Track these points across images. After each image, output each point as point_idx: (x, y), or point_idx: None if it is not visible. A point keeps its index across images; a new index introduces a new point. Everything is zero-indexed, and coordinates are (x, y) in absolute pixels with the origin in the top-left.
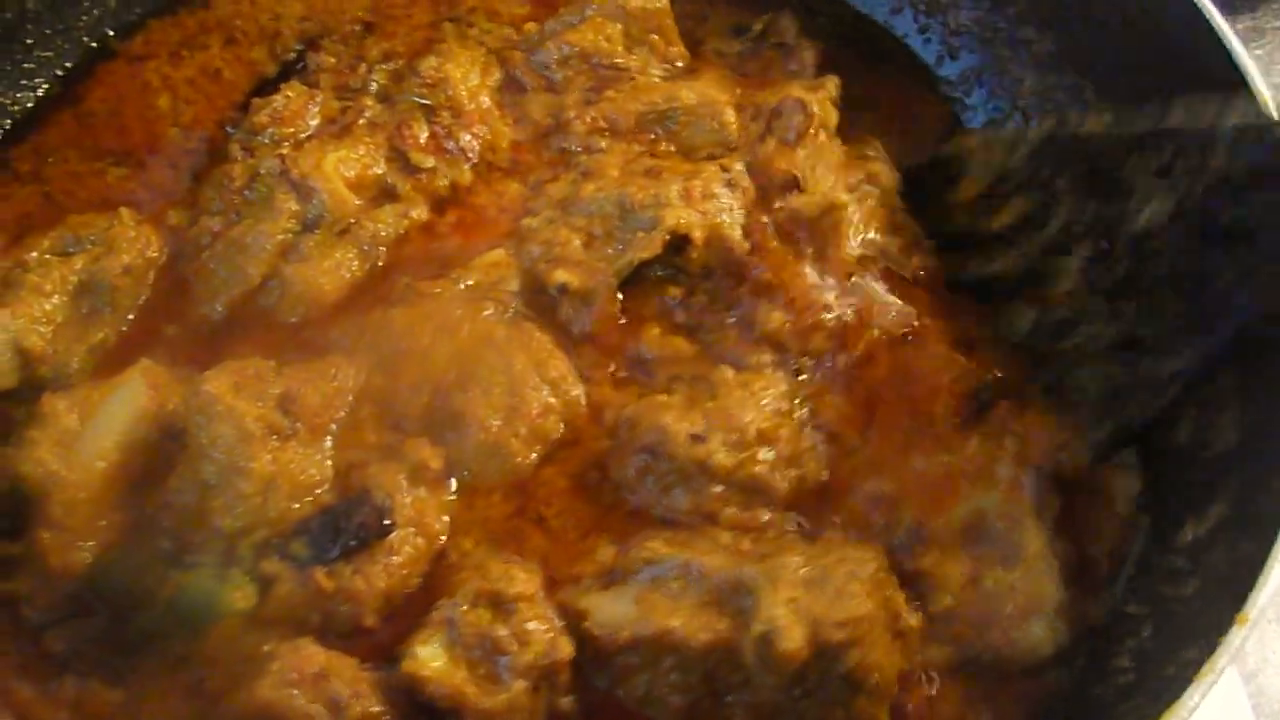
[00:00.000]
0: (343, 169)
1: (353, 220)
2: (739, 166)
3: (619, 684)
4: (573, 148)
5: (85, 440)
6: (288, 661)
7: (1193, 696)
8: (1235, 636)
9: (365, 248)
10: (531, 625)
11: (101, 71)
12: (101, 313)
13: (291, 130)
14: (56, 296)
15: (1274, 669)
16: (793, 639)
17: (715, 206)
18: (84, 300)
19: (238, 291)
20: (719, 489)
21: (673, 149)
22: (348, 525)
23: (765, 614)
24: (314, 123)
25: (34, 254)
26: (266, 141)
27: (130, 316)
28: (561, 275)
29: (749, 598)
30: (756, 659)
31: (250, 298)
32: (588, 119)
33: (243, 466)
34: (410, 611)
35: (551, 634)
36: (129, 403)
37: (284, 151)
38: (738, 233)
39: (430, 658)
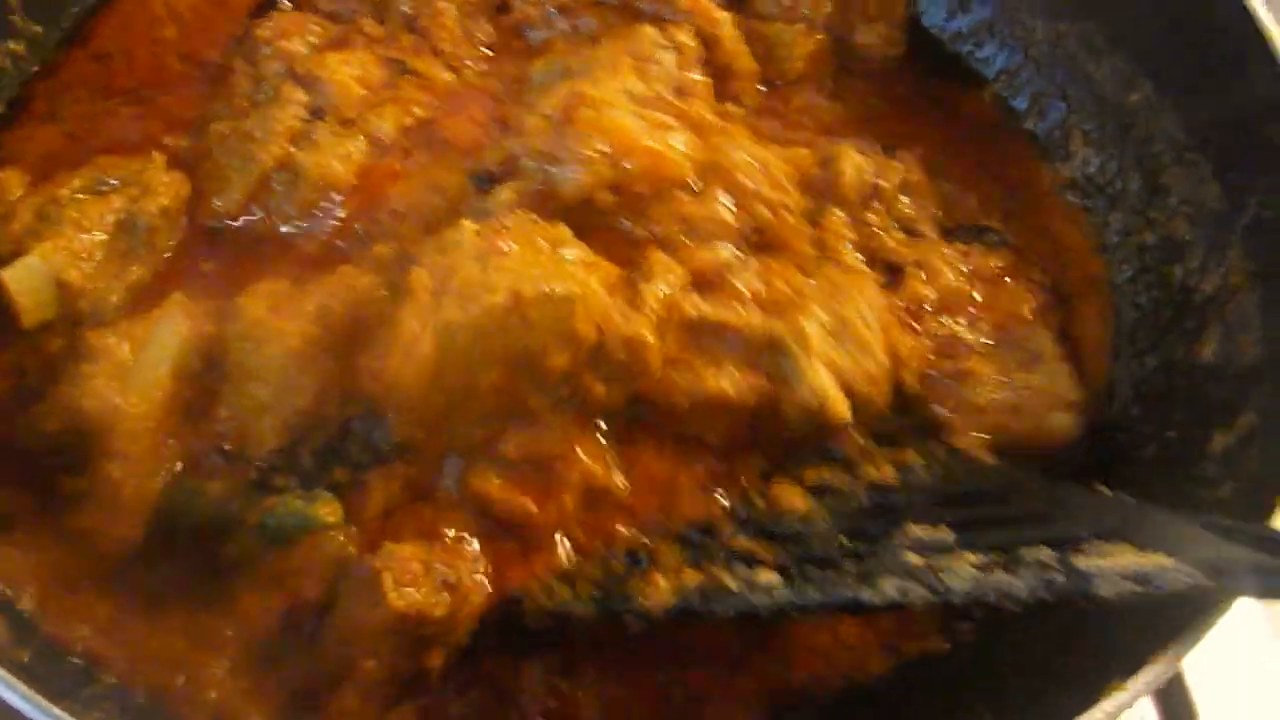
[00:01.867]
0: (346, 68)
1: (357, 114)
2: None
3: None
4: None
5: (140, 371)
6: (396, 569)
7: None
8: (1277, 520)
9: (375, 135)
10: None
11: (108, 8)
12: (138, 250)
13: (292, 45)
14: (96, 232)
15: None
16: (840, 406)
17: None
18: (122, 238)
19: (253, 178)
20: None
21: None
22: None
23: (810, 382)
24: (312, 40)
25: (65, 190)
26: (269, 54)
27: (166, 255)
28: None
29: (785, 359)
30: (801, 414)
31: (263, 188)
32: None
33: (295, 383)
34: None
35: None
36: (175, 332)
37: (288, 55)
38: None
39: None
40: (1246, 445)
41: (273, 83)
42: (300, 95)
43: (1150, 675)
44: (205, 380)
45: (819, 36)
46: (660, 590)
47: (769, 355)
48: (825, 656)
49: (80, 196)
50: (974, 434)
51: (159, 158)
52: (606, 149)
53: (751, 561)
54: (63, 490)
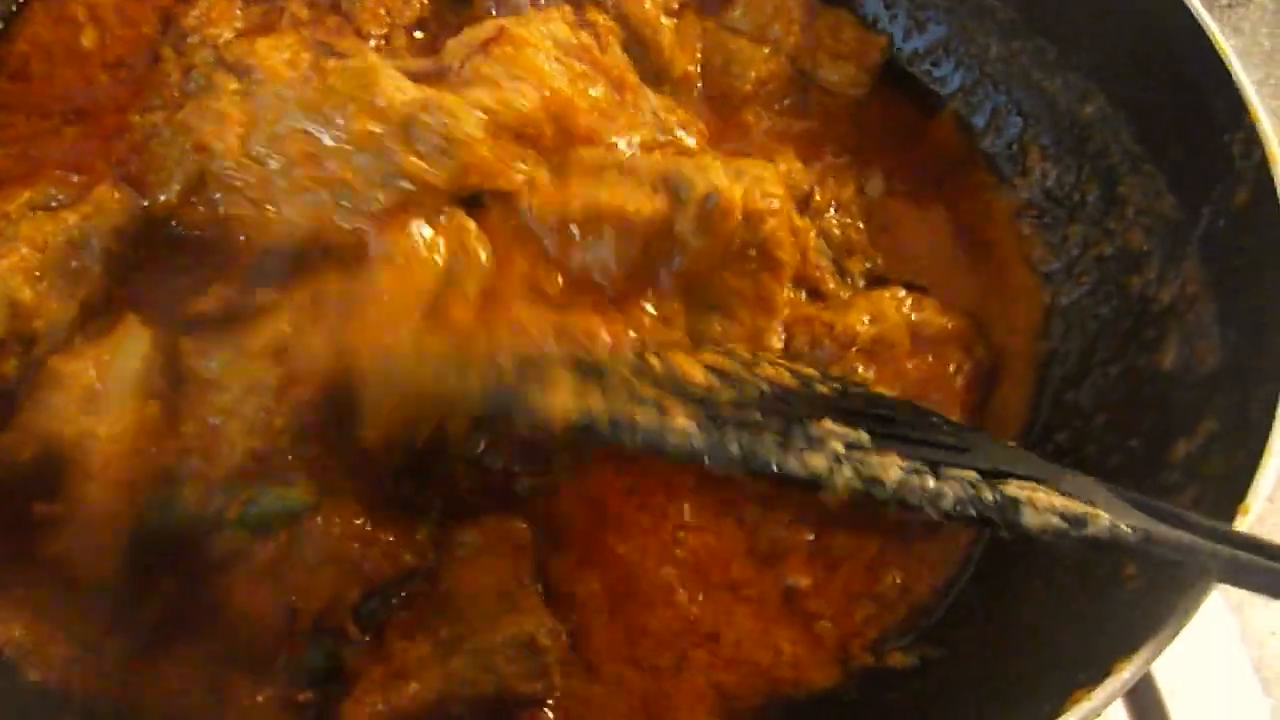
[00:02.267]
0: (275, 53)
1: None
2: None
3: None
4: None
5: (108, 395)
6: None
7: (1203, 593)
8: (1239, 525)
9: None
10: None
11: (20, 23)
12: (91, 269)
13: (218, 31)
14: (48, 250)
15: (1259, 600)
16: (734, 199)
17: None
18: (75, 256)
19: (191, 168)
20: None
21: None
22: None
23: (707, 184)
24: (239, 26)
25: (14, 206)
26: (196, 42)
27: (117, 272)
28: None
29: (684, 185)
30: (695, 224)
31: (203, 179)
32: None
33: (259, 383)
34: None
35: None
36: (137, 354)
37: (216, 43)
38: None
39: None
40: (1207, 452)
41: (203, 71)
42: (233, 84)
43: (1117, 683)
44: (170, 395)
45: (778, 62)
46: (561, 399)
47: (664, 184)
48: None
49: (31, 213)
50: None
51: (108, 174)
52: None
53: (661, 410)
54: (34, 517)
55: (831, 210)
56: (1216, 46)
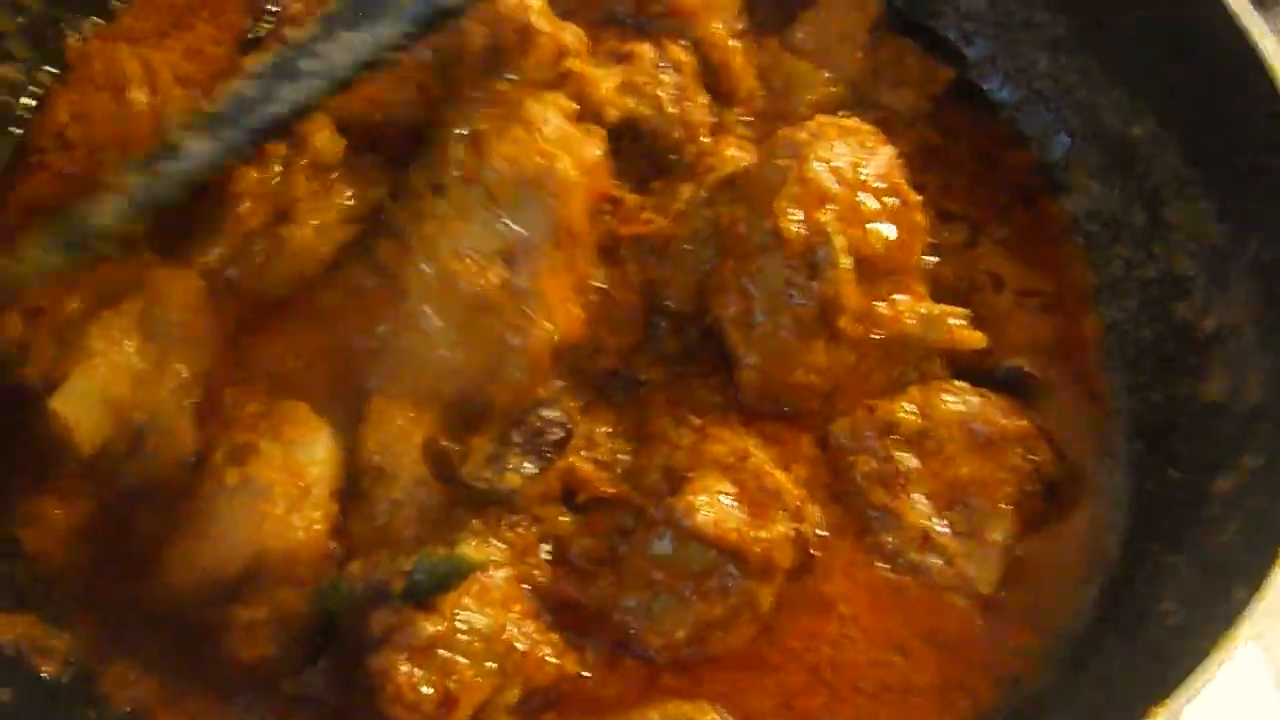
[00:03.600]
0: None
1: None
2: None
3: None
4: None
5: (313, 498)
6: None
7: (1241, 630)
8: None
9: None
10: None
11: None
12: (175, 349)
13: None
14: (126, 343)
15: None
16: None
17: None
18: (150, 345)
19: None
20: None
21: None
22: None
23: None
24: None
25: (72, 309)
26: None
27: (205, 350)
28: None
29: None
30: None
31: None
32: None
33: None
34: None
35: None
36: (329, 456)
37: None
38: None
39: None
40: (1250, 487)
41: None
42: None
43: None
44: (348, 491)
45: (836, 89)
46: None
47: None
48: None
49: (103, 313)
50: None
51: (150, 257)
52: None
53: None
54: (235, 622)
55: None
56: (1270, 73)
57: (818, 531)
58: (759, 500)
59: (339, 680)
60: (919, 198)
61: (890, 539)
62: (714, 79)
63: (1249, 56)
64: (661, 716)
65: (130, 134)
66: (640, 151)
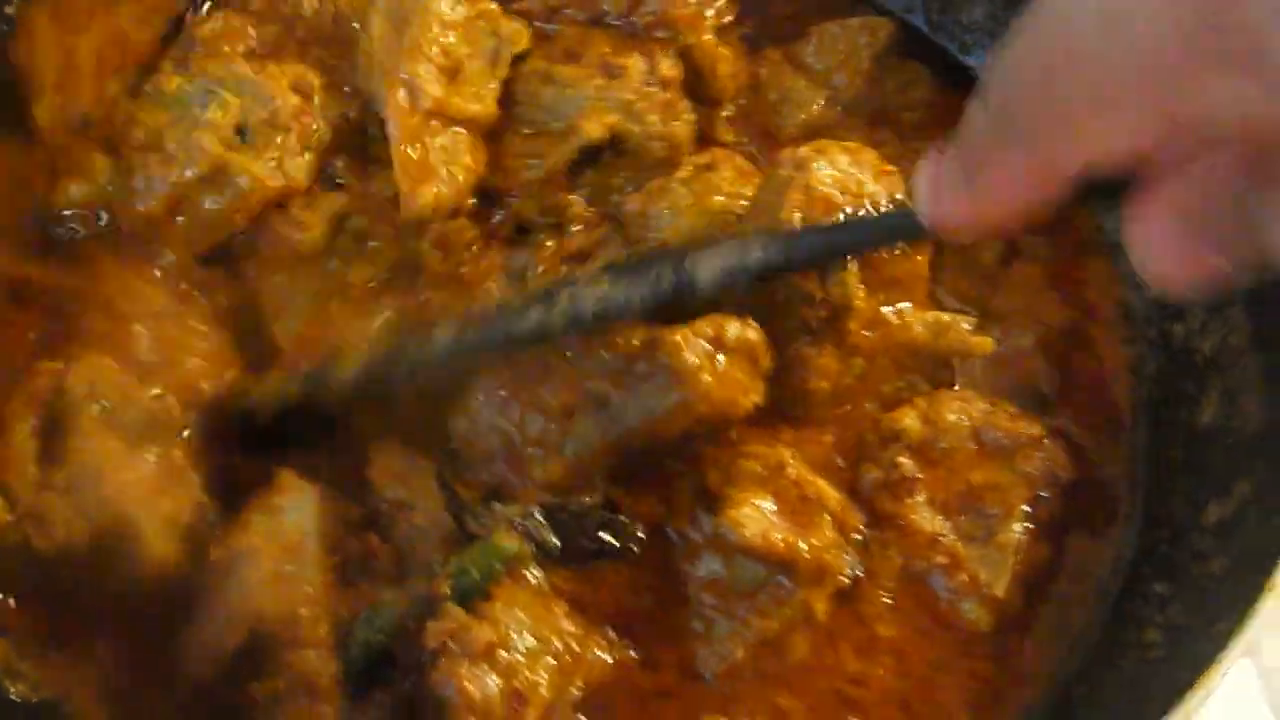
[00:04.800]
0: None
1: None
2: None
3: None
4: None
5: (305, 553)
6: None
7: (1224, 664)
8: (1265, 604)
9: None
10: None
11: None
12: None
13: (229, 48)
14: None
15: None
16: None
17: None
18: None
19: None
20: None
21: None
22: None
23: None
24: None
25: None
26: (201, 53)
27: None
28: None
29: None
30: None
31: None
32: None
33: None
34: None
35: None
36: (309, 513)
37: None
38: None
39: None
40: (1241, 517)
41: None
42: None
43: None
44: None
45: (831, 111)
46: None
47: None
48: None
49: None
50: None
51: None
52: None
53: None
54: (259, 699)
55: None
56: None
57: (855, 535)
58: (800, 509)
59: (399, 711)
60: None
61: (897, 549)
62: (700, 84)
63: None
64: None
65: None
66: (622, 165)
